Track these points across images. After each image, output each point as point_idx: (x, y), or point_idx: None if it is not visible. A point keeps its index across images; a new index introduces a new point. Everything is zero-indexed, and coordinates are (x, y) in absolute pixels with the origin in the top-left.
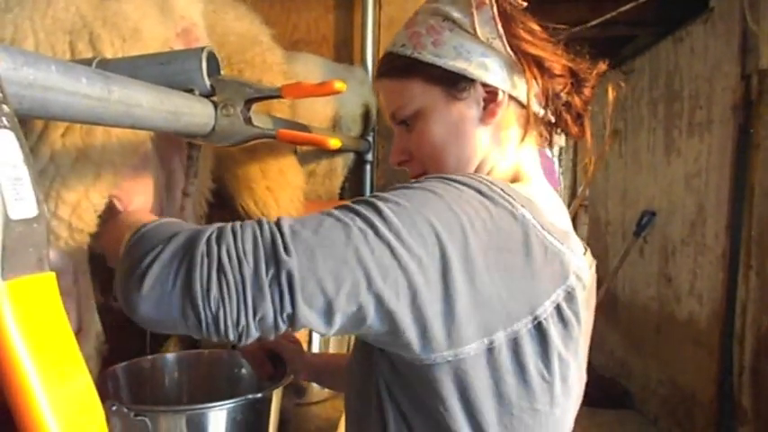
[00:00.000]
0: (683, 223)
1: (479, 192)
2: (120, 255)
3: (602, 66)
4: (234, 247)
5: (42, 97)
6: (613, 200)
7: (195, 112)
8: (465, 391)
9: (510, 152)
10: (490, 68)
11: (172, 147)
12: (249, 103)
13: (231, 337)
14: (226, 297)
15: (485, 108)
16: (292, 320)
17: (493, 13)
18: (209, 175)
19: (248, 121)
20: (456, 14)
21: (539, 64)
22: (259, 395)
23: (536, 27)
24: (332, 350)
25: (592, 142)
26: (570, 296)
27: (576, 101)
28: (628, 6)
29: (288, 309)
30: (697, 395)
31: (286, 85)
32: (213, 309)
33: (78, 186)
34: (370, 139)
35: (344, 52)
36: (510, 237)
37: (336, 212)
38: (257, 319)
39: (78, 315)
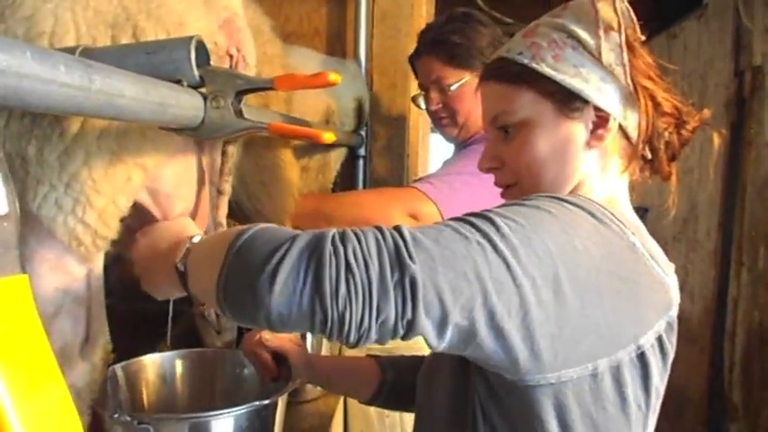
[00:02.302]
0: (674, 220)
1: (592, 215)
2: (226, 257)
3: (707, 113)
4: (360, 248)
5: (16, 85)
6: None
7: (183, 104)
8: (564, 415)
9: (607, 182)
10: (606, 93)
11: (204, 143)
12: (240, 94)
13: (352, 338)
14: (353, 296)
15: (593, 132)
16: (410, 327)
17: (620, 41)
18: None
19: (239, 113)
20: (582, 35)
21: (653, 99)
22: (266, 402)
23: (651, 61)
24: (324, 352)
25: (677, 186)
26: (670, 327)
27: (675, 141)
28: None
29: (408, 314)
30: (688, 391)
31: (279, 77)
32: (340, 307)
33: (108, 191)
34: (363, 133)
35: (337, 46)
36: (620, 262)
37: (454, 224)
38: (379, 321)
39: (87, 323)
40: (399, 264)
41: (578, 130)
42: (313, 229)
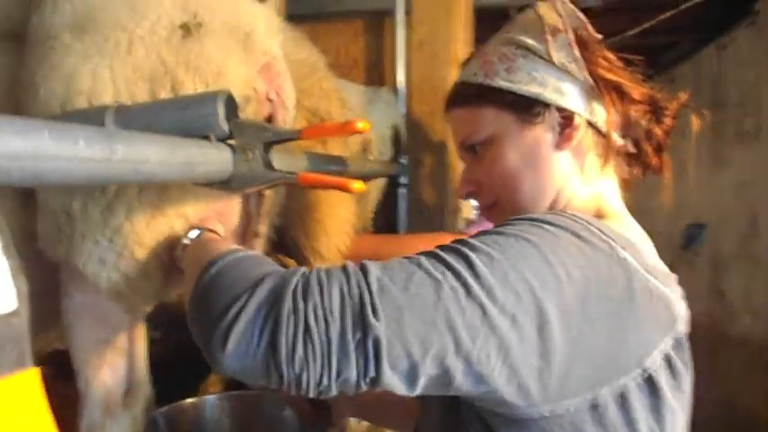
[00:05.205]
0: (734, 235)
1: (577, 235)
2: (195, 286)
3: (684, 96)
4: (321, 305)
5: (34, 167)
6: (659, 212)
7: (211, 160)
8: None
9: (588, 183)
10: (566, 93)
11: None
12: (269, 146)
13: (311, 394)
14: (310, 359)
15: (561, 133)
16: (375, 383)
17: (569, 38)
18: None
19: (268, 164)
20: (530, 42)
21: (617, 89)
22: None
23: (612, 56)
24: None
25: (670, 178)
26: (679, 344)
27: (657, 130)
28: (667, 15)
29: (372, 373)
30: (754, 417)
31: (306, 128)
32: (297, 369)
33: (150, 242)
34: (404, 161)
35: (375, 75)
36: (611, 283)
37: (426, 264)
38: (340, 380)
39: (128, 374)
40: (363, 322)
41: (545, 133)
42: None
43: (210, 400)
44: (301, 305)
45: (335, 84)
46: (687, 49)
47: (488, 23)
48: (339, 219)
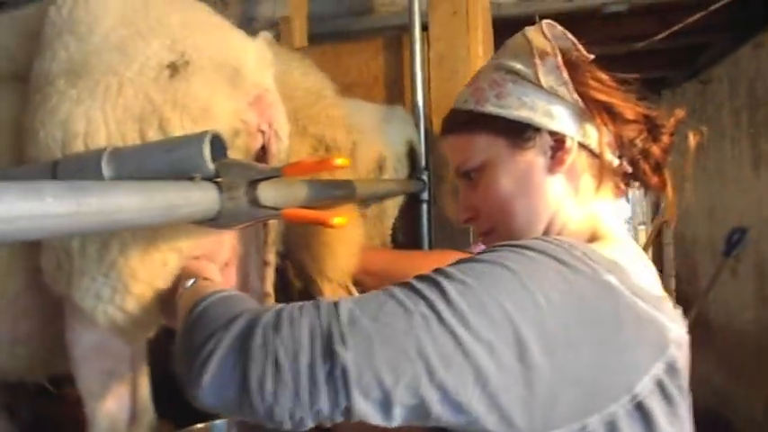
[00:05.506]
0: None
1: (557, 260)
2: (182, 325)
3: (680, 112)
4: (290, 337)
5: (3, 230)
6: (699, 217)
7: (194, 202)
8: None
9: (584, 205)
10: (556, 116)
11: None
12: (254, 183)
13: (286, 426)
14: (280, 391)
15: (552, 157)
16: (348, 412)
17: (557, 61)
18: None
19: (254, 201)
20: (519, 66)
21: (608, 110)
22: None
23: (604, 76)
24: None
25: (673, 195)
26: (672, 369)
27: (654, 149)
28: (696, 16)
29: (343, 403)
30: None
31: (287, 165)
32: (267, 402)
33: (145, 276)
34: (425, 177)
35: (395, 92)
36: (595, 307)
37: (399, 294)
38: (313, 411)
39: (132, 402)
40: (331, 353)
41: (537, 158)
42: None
43: (219, 425)
44: (271, 339)
45: (343, 110)
46: (722, 49)
47: (509, 33)
48: (347, 240)
